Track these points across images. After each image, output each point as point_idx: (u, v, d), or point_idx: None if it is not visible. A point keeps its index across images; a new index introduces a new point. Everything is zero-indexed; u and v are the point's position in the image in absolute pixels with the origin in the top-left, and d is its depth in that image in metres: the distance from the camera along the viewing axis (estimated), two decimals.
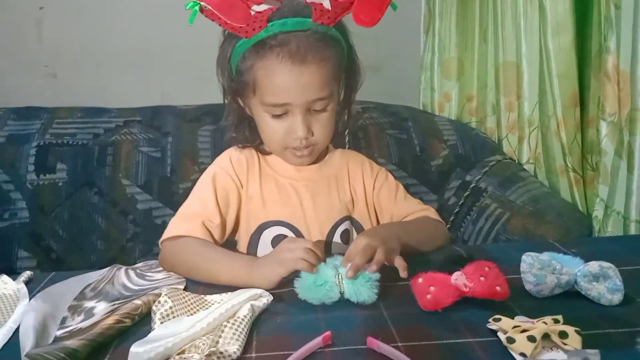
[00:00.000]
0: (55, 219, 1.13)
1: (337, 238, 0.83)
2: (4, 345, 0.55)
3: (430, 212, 0.88)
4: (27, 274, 0.71)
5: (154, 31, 1.38)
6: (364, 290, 0.62)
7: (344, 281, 0.63)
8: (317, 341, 0.53)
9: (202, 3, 0.67)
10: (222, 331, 0.53)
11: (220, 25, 0.71)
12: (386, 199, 0.88)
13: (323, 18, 0.73)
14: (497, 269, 0.62)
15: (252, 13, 0.70)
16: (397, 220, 0.86)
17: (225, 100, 0.85)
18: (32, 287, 0.68)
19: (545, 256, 0.65)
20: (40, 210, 1.13)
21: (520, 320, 0.55)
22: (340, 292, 0.63)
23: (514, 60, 1.23)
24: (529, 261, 0.64)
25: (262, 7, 0.70)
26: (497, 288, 0.60)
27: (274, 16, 0.72)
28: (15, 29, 1.33)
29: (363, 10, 0.69)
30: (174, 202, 1.16)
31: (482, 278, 0.61)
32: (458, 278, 0.61)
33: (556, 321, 0.54)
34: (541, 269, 0.63)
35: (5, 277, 0.69)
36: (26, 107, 1.24)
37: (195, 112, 1.30)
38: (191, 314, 0.58)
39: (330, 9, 0.72)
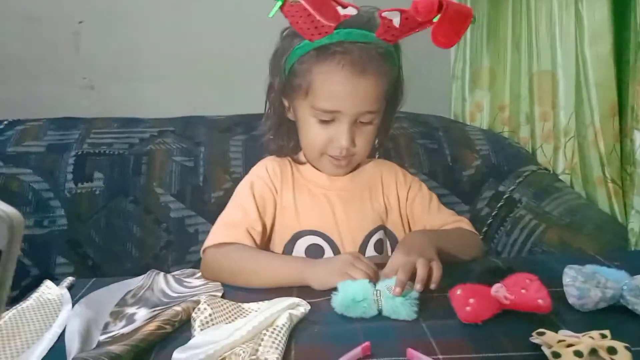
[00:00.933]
0: (92, 227, 1.16)
1: (370, 248, 0.83)
2: (50, 348, 0.57)
3: (464, 223, 0.87)
4: (69, 279, 0.72)
5: (186, 44, 1.41)
6: (403, 309, 0.61)
7: (382, 298, 0.62)
8: (356, 351, 0.53)
9: None
10: (262, 339, 0.53)
11: (291, 24, 0.70)
12: (419, 210, 0.88)
13: (387, 34, 0.73)
14: (538, 281, 0.60)
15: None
16: None
17: (267, 102, 0.86)
18: (74, 292, 0.70)
19: (589, 269, 0.63)
20: (77, 218, 1.16)
21: (565, 334, 0.54)
22: (378, 310, 0.62)
23: (549, 69, 1.21)
24: (571, 274, 0.62)
25: (344, 12, 0.70)
26: (540, 301, 0.58)
27: (340, 24, 0.72)
28: (54, 42, 1.38)
29: (442, 32, 0.68)
30: (206, 210, 1.18)
31: (523, 290, 0.59)
32: (498, 290, 0.60)
33: (603, 336, 0.52)
34: (585, 282, 0.61)
35: (49, 283, 0.71)
36: (65, 118, 1.27)
37: (227, 122, 1.32)
38: (229, 322, 0.59)
39: (397, 27, 0.71)
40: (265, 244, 0.84)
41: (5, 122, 1.24)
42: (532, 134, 1.30)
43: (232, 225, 0.79)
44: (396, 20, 0.70)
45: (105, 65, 1.41)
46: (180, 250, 1.18)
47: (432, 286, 0.65)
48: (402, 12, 0.69)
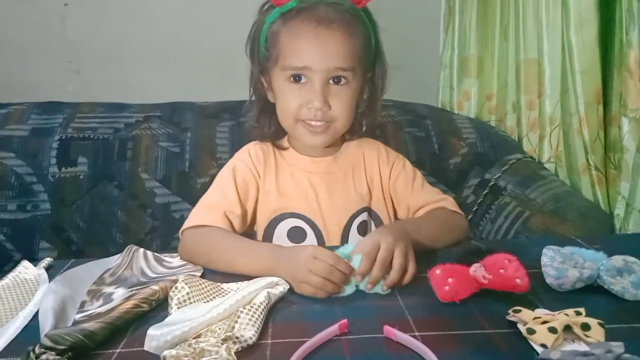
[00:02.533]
0: (76, 211, 1.15)
1: (354, 230, 0.83)
2: (25, 327, 0.56)
3: (448, 203, 0.85)
4: (47, 260, 0.72)
5: (174, 28, 1.40)
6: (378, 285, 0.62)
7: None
8: (333, 329, 0.53)
9: None
10: (238, 317, 0.53)
11: None
12: (403, 189, 0.86)
13: None
14: (517, 262, 0.61)
15: None
16: (413, 211, 0.84)
17: (251, 87, 0.85)
18: (52, 273, 0.69)
19: (567, 250, 0.64)
20: (61, 203, 1.14)
21: (541, 312, 0.54)
22: (355, 286, 0.63)
23: (535, 58, 1.21)
24: (550, 254, 0.63)
25: None
26: (517, 280, 0.59)
27: None
28: (40, 25, 1.36)
29: None
30: (192, 196, 1.17)
31: (501, 270, 0.60)
32: (477, 270, 0.60)
33: (578, 313, 0.53)
34: (563, 262, 0.62)
35: (26, 263, 0.70)
36: (49, 102, 1.26)
37: (214, 108, 1.31)
38: (207, 301, 0.58)
39: None
40: (248, 227, 0.84)
41: None
42: (518, 122, 1.30)
43: (211, 207, 0.79)
44: None
45: (92, 49, 1.39)
46: (166, 235, 1.17)
47: (404, 281, 0.64)
48: None
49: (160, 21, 1.39)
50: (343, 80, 0.77)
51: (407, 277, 0.64)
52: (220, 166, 1.16)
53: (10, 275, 0.66)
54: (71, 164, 1.17)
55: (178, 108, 1.30)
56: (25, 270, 0.68)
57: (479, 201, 1.22)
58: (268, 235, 0.82)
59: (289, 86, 0.78)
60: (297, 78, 0.77)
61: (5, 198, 1.13)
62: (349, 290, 0.62)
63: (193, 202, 1.18)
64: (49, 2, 1.35)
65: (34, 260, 1.10)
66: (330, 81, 0.77)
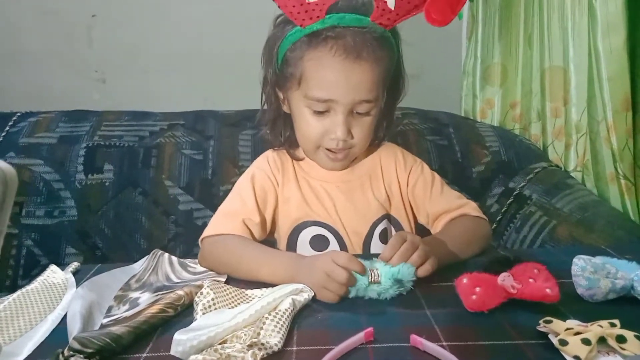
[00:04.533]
0: (101, 218, 1.16)
1: (375, 238, 0.82)
2: (53, 330, 0.57)
3: (470, 208, 0.82)
4: (74, 265, 0.73)
5: (197, 38, 1.42)
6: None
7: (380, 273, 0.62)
8: (359, 337, 0.52)
9: None
10: (264, 323, 0.53)
11: (279, 6, 0.68)
12: (421, 194, 0.84)
13: (382, 18, 0.70)
14: (546, 271, 0.60)
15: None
16: (433, 218, 0.83)
17: (263, 94, 0.84)
18: (79, 277, 0.70)
19: (599, 259, 0.62)
20: (87, 209, 1.16)
21: (573, 323, 0.53)
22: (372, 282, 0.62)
23: (560, 65, 1.20)
24: (580, 264, 0.61)
25: None
26: (547, 290, 0.57)
27: (332, 9, 0.70)
28: (68, 35, 1.39)
29: (436, 8, 0.65)
30: (215, 204, 1.17)
31: (530, 280, 0.59)
32: (505, 279, 0.59)
33: (612, 325, 0.51)
34: (594, 272, 0.60)
35: (54, 267, 0.71)
36: (76, 110, 1.28)
37: (236, 116, 1.32)
38: (232, 307, 0.58)
39: (392, 9, 0.68)
40: (268, 235, 0.84)
41: (19, 114, 1.25)
42: (543, 130, 1.28)
43: (230, 215, 0.79)
44: (391, 2, 0.68)
45: (117, 59, 1.42)
46: (188, 242, 1.18)
47: (419, 272, 0.64)
48: None
49: (184, 31, 1.41)
50: (366, 110, 0.76)
51: (422, 271, 0.64)
52: (242, 174, 1.18)
53: (39, 279, 0.67)
54: (97, 170, 1.19)
55: (201, 116, 1.32)
56: (54, 274, 0.69)
57: (503, 210, 1.20)
58: (291, 243, 0.82)
59: (312, 115, 0.76)
60: (320, 109, 0.75)
61: (34, 204, 1.15)
62: (352, 292, 0.62)
63: (215, 209, 1.17)
64: (77, 14, 1.38)
65: (61, 265, 1.13)
66: (354, 111, 0.76)
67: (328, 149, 0.79)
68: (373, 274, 0.62)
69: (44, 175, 1.17)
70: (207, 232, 0.78)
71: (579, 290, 0.61)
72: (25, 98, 1.35)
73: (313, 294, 0.61)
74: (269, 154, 0.87)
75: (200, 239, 0.78)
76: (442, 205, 0.83)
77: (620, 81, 1.04)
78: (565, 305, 0.59)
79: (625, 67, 1.03)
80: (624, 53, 1.02)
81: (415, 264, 0.63)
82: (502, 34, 1.35)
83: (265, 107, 0.85)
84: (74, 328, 0.53)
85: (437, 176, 0.87)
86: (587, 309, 0.59)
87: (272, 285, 0.64)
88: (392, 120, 0.88)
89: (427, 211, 0.84)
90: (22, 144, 1.19)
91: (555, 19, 1.19)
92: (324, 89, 0.73)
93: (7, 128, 1.21)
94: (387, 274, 0.62)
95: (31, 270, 1.08)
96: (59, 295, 0.63)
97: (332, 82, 0.73)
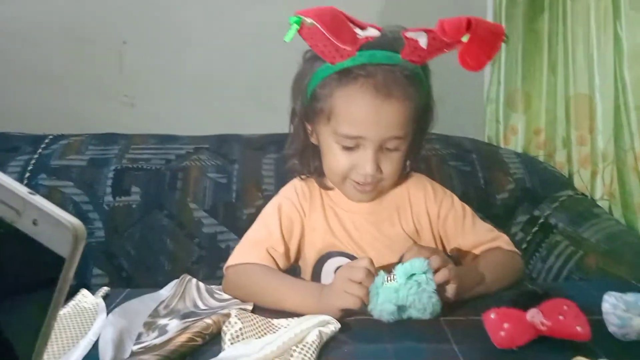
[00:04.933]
0: (128, 239, 1.18)
1: None
2: (85, 356, 0.58)
3: (502, 242, 0.82)
4: (104, 289, 0.74)
5: (222, 64, 1.45)
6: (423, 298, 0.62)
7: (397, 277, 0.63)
8: None
9: (308, 19, 0.63)
10: (291, 355, 0.53)
11: (311, 46, 0.69)
12: (452, 228, 0.84)
13: (413, 55, 0.70)
14: (576, 308, 0.59)
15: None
16: (466, 252, 0.82)
17: (292, 125, 0.84)
18: (109, 302, 0.72)
19: (631, 297, 0.61)
20: (114, 231, 1.18)
21: None
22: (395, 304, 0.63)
23: (586, 93, 1.19)
24: (612, 301, 0.60)
25: (364, 34, 0.68)
26: (578, 328, 0.56)
27: (362, 46, 0.70)
28: (99, 61, 1.44)
29: (471, 54, 0.63)
30: (238, 227, 1.19)
31: (560, 317, 0.58)
32: (534, 316, 0.58)
33: None
34: (627, 310, 0.59)
35: (85, 292, 0.73)
36: (106, 134, 1.32)
37: (260, 141, 1.34)
38: (259, 337, 0.59)
39: (425, 47, 0.68)
40: (294, 262, 0.84)
41: (51, 137, 1.29)
42: (568, 158, 1.27)
43: (255, 244, 0.79)
44: (422, 41, 0.67)
45: (146, 84, 1.46)
46: (211, 265, 1.19)
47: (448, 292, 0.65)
48: (428, 32, 0.66)
49: (210, 57, 1.45)
50: (395, 146, 0.76)
51: (450, 290, 0.65)
52: (266, 197, 1.19)
53: (71, 304, 0.69)
54: (125, 193, 1.21)
55: (226, 140, 1.34)
56: (85, 299, 0.70)
57: (528, 239, 1.19)
58: (316, 273, 0.82)
59: (340, 149, 0.76)
60: (349, 145, 0.75)
61: None
62: (372, 302, 0.64)
63: (239, 232, 1.20)
64: (109, 41, 1.43)
65: (87, 287, 1.14)
66: (383, 147, 0.76)
67: (356, 182, 0.79)
68: (389, 276, 0.63)
69: (74, 197, 1.20)
70: (231, 260, 0.78)
71: (611, 329, 0.60)
72: (58, 121, 1.39)
73: (339, 325, 0.61)
74: (297, 183, 0.87)
75: (225, 267, 0.79)
76: (474, 238, 0.82)
77: None
78: (597, 343, 0.58)
79: None
80: None
81: (432, 266, 0.64)
82: (526, 60, 1.36)
83: (293, 137, 0.85)
84: (106, 356, 0.54)
85: (467, 208, 0.86)
86: (620, 348, 0.58)
87: (298, 315, 0.64)
88: (420, 150, 0.88)
89: (459, 244, 0.83)
90: (53, 166, 1.22)
91: (580, 47, 1.19)
92: (353, 126, 0.73)
93: (40, 150, 1.25)
94: (401, 271, 0.63)
95: None
96: (89, 320, 0.64)
97: (362, 119, 0.73)
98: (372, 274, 0.64)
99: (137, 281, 1.17)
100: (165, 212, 1.21)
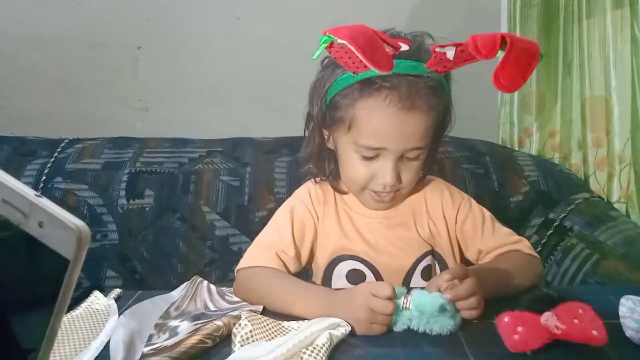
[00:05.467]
0: (141, 242, 1.19)
1: (417, 275, 0.80)
2: (96, 357, 0.58)
3: (523, 245, 0.80)
4: (116, 291, 0.75)
5: (236, 69, 1.46)
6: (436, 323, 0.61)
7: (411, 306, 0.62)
8: None
9: (339, 40, 0.60)
10: (301, 358, 0.53)
11: (334, 57, 0.66)
12: (471, 233, 0.82)
13: (439, 66, 0.67)
14: (592, 312, 0.58)
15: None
16: (485, 254, 0.81)
17: (307, 130, 0.84)
18: (121, 303, 0.72)
19: None
20: (128, 233, 1.20)
21: None
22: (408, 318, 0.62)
23: (602, 94, 1.17)
24: (629, 305, 0.59)
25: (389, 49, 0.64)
26: (594, 332, 0.55)
27: None
28: (114, 66, 1.46)
29: (505, 74, 0.60)
30: (250, 230, 1.19)
31: (575, 320, 0.57)
32: (549, 319, 0.57)
33: None
34: None
35: (97, 293, 0.73)
36: (120, 137, 1.33)
37: (273, 144, 1.34)
38: (269, 339, 0.59)
39: (451, 59, 0.65)
40: (305, 265, 0.83)
41: (66, 141, 1.31)
42: (584, 160, 1.25)
43: (266, 248, 0.79)
44: (450, 54, 0.64)
45: (160, 88, 1.48)
46: (224, 268, 1.19)
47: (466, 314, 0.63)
48: (457, 45, 0.63)
49: (223, 62, 1.46)
50: (416, 155, 0.75)
51: (467, 314, 0.63)
52: (278, 200, 1.19)
53: (84, 305, 0.69)
54: (138, 196, 1.22)
55: (238, 143, 1.34)
56: (97, 300, 0.71)
57: (542, 242, 1.17)
58: (327, 276, 0.81)
59: (360, 159, 0.75)
60: (369, 155, 0.74)
61: None
62: (400, 325, 0.62)
63: (251, 235, 1.20)
64: (124, 46, 1.45)
65: (101, 288, 1.16)
66: (403, 157, 0.75)
67: (374, 191, 0.78)
68: (406, 300, 0.62)
69: (89, 200, 1.21)
70: (242, 263, 0.78)
71: (628, 333, 0.58)
72: (73, 125, 1.41)
73: (350, 328, 0.61)
74: (311, 185, 0.86)
75: (235, 270, 0.79)
76: (495, 242, 0.81)
77: None
78: (613, 348, 0.57)
79: None
80: None
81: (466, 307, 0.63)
82: (541, 61, 1.34)
83: (309, 142, 0.84)
84: (117, 357, 0.55)
85: (486, 212, 0.85)
86: (637, 353, 0.56)
87: (307, 320, 0.64)
88: (436, 155, 0.87)
89: (479, 248, 0.82)
90: (69, 169, 1.24)
91: (596, 48, 1.17)
92: (376, 138, 0.72)
93: (56, 154, 1.27)
94: (415, 302, 0.62)
95: (74, 293, 1.11)
96: (102, 322, 0.65)
97: (385, 131, 0.72)
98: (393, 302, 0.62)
99: (150, 283, 1.18)
100: (178, 215, 1.22)
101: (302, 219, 0.82)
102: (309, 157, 0.85)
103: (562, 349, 0.56)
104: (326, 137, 0.82)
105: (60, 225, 0.27)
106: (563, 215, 1.17)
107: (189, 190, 1.24)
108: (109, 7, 1.43)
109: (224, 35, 1.45)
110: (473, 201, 0.86)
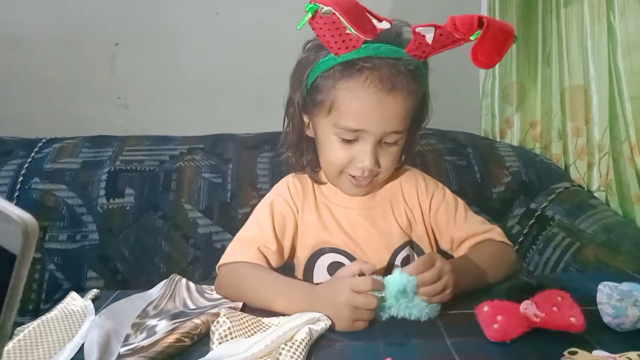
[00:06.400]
0: (122, 242, 1.18)
1: (397, 265, 0.80)
2: (71, 359, 0.57)
3: (495, 233, 0.81)
4: (93, 291, 0.74)
5: (216, 64, 1.44)
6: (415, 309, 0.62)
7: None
8: None
9: (324, 7, 0.62)
10: (280, 354, 0.52)
11: (318, 36, 0.68)
12: (444, 220, 0.83)
13: (418, 51, 0.70)
14: (570, 299, 0.58)
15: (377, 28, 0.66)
16: (457, 243, 0.81)
17: (286, 117, 0.83)
18: (98, 304, 0.71)
19: (625, 286, 0.60)
20: (108, 233, 1.18)
21: (600, 354, 0.51)
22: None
23: (581, 84, 1.18)
24: (606, 291, 0.59)
25: (379, 26, 0.67)
26: (572, 319, 0.56)
27: (367, 39, 0.68)
28: (91, 63, 1.43)
29: (483, 51, 0.63)
30: (233, 227, 1.18)
31: (554, 308, 0.57)
32: (528, 307, 0.57)
33: None
34: (621, 300, 0.58)
35: (74, 294, 0.72)
36: (99, 136, 1.31)
37: (255, 139, 1.33)
38: (248, 336, 0.58)
39: (430, 43, 0.68)
40: (288, 259, 0.83)
41: (44, 140, 1.28)
42: (564, 150, 1.26)
43: (247, 242, 0.78)
44: (429, 37, 0.67)
45: (139, 85, 1.45)
46: (207, 265, 1.18)
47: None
48: (437, 27, 0.66)
49: (204, 57, 1.44)
50: (395, 140, 0.75)
51: (445, 298, 0.64)
52: (261, 196, 1.17)
53: (59, 307, 0.68)
54: (119, 195, 1.20)
55: (220, 140, 1.33)
56: (73, 301, 0.70)
57: (525, 232, 1.18)
58: (309, 270, 0.81)
59: (339, 142, 0.75)
60: (349, 138, 0.74)
61: (57, 228, 1.17)
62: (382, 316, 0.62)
63: (234, 232, 1.18)
64: (101, 43, 1.42)
65: (81, 290, 1.13)
66: (382, 141, 0.75)
67: (352, 176, 0.78)
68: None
69: (67, 200, 1.19)
70: (223, 259, 0.78)
71: (606, 319, 0.59)
72: (51, 124, 1.39)
73: (330, 322, 0.61)
74: (290, 179, 0.86)
75: (217, 266, 0.78)
76: (467, 230, 0.82)
77: None
78: (592, 334, 0.57)
79: None
80: None
81: (430, 292, 0.62)
82: (520, 52, 1.35)
83: (288, 129, 0.84)
84: (91, 358, 0.54)
85: (460, 201, 0.86)
86: (615, 339, 0.57)
87: (287, 315, 0.64)
88: (414, 145, 0.87)
89: (452, 236, 0.82)
90: (46, 170, 1.22)
91: (575, 38, 1.18)
92: (356, 120, 0.73)
93: (33, 154, 1.24)
94: (390, 288, 0.62)
95: (53, 295, 1.10)
96: (78, 323, 0.63)
97: (365, 113, 0.72)
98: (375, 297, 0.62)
99: (133, 283, 1.17)
100: (159, 214, 1.20)
101: (282, 213, 0.82)
102: (287, 145, 0.85)
103: (542, 337, 0.56)
104: (306, 123, 0.82)
105: (4, 218, 0.26)
106: (544, 204, 1.18)
107: (170, 188, 1.23)
108: (84, 3, 1.40)
109: (204, 31, 1.43)
110: (447, 190, 0.87)
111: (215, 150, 1.30)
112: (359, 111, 0.72)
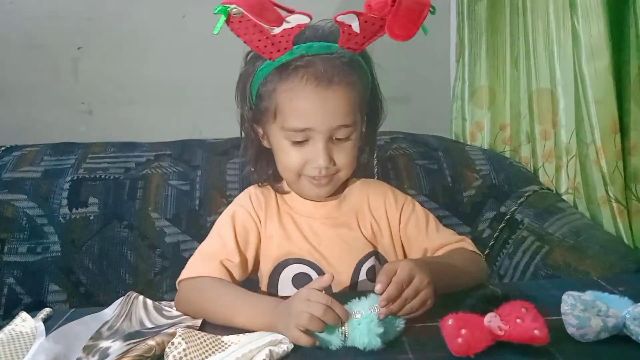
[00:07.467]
0: (86, 253, 1.14)
1: (362, 276, 0.79)
2: None
3: (466, 243, 0.81)
4: (45, 311, 0.70)
5: (183, 68, 1.41)
6: (365, 336, 0.58)
7: (347, 326, 0.59)
8: None
9: (233, 8, 0.63)
10: None
11: (245, 42, 0.69)
12: (415, 232, 0.83)
13: (350, 42, 0.70)
14: (535, 310, 0.57)
15: (286, 23, 0.67)
16: (430, 253, 0.81)
17: (243, 132, 0.83)
18: (50, 324, 0.67)
19: (589, 296, 0.60)
20: (71, 244, 1.14)
21: None
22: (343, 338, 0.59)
23: (548, 87, 1.19)
24: (570, 302, 0.59)
25: (296, 21, 0.67)
26: (536, 332, 0.55)
27: (299, 39, 0.70)
28: (53, 68, 1.39)
29: (398, 23, 0.64)
30: (202, 235, 1.13)
31: (518, 320, 0.56)
32: (492, 320, 0.56)
33: None
34: (584, 310, 0.58)
35: (24, 315, 0.68)
36: (62, 143, 1.27)
37: (224, 145, 1.31)
38: (206, 357, 0.56)
39: (358, 32, 0.69)
40: (252, 273, 0.81)
41: (3, 148, 1.24)
42: (533, 153, 1.27)
43: (208, 256, 0.76)
44: (355, 25, 0.68)
45: (104, 90, 1.41)
46: (175, 276, 1.10)
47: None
48: (358, 14, 0.67)
49: (169, 62, 1.41)
50: (346, 135, 0.75)
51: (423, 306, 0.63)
52: (231, 203, 1.16)
53: (6, 329, 0.64)
54: (82, 204, 1.17)
55: (188, 146, 1.30)
56: (22, 322, 0.66)
57: (495, 236, 1.18)
58: (273, 283, 0.79)
59: (291, 145, 0.75)
60: (298, 139, 0.74)
61: (16, 240, 1.13)
62: (335, 341, 0.58)
63: (203, 240, 1.17)
64: (63, 47, 1.38)
65: (43, 304, 1.09)
66: (333, 137, 0.74)
67: (310, 177, 0.77)
68: (343, 329, 0.59)
69: (27, 211, 1.15)
70: (183, 274, 0.75)
71: (569, 330, 0.58)
72: (10, 131, 1.34)
73: (292, 346, 0.58)
74: (251, 190, 0.85)
75: (177, 281, 0.76)
76: (440, 240, 0.82)
77: (607, 104, 1.03)
78: (556, 345, 0.56)
79: (611, 90, 1.03)
80: (609, 76, 1.02)
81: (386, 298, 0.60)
82: (489, 56, 1.35)
83: (247, 144, 0.83)
84: None
85: (430, 214, 0.86)
86: (579, 350, 0.56)
87: (250, 331, 0.62)
88: (374, 145, 0.87)
89: (424, 247, 0.81)
90: (5, 179, 1.17)
91: (541, 42, 1.19)
92: (299, 119, 0.73)
93: None
94: (367, 329, 0.58)
95: (12, 310, 1.05)
96: (26, 347, 0.60)
97: (307, 110, 0.72)
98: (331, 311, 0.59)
99: (97, 296, 1.13)
100: (125, 223, 1.17)
101: (244, 224, 0.80)
102: (248, 160, 0.85)
103: (506, 350, 0.55)
104: (260, 135, 0.81)
105: None
106: (514, 208, 1.19)
107: (136, 196, 1.19)
108: (45, 5, 1.35)
109: (169, 34, 1.40)
110: (417, 203, 0.87)
111: (183, 157, 1.27)
112: (301, 110, 0.72)
